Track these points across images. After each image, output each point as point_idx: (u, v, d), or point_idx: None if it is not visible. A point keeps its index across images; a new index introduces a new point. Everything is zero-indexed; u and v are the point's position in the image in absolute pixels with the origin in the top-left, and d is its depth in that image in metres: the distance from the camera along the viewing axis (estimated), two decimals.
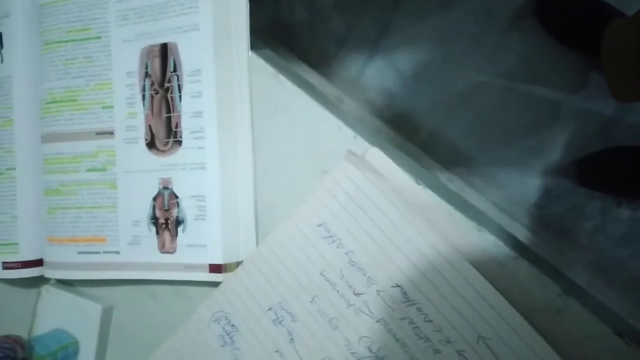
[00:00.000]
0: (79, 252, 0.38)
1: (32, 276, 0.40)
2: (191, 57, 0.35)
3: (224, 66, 0.35)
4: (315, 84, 1.04)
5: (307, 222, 0.32)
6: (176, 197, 0.36)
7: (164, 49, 0.36)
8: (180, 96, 0.36)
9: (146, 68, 0.36)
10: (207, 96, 0.35)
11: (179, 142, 0.36)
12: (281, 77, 0.35)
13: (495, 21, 1.06)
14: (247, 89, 0.35)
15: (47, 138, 0.39)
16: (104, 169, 0.37)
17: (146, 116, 0.36)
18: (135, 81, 0.37)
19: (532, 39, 1.03)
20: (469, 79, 1.09)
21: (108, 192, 0.37)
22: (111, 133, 0.37)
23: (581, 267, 0.97)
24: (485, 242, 0.31)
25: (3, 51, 0.40)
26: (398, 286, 0.30)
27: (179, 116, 0.36)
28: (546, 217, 1.03)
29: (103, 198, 0.37)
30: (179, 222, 0.36)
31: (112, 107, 0.37)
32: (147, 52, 0.36)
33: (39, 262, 0.40)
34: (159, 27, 0.36)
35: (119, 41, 0.37)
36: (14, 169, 0.40)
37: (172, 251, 0.36)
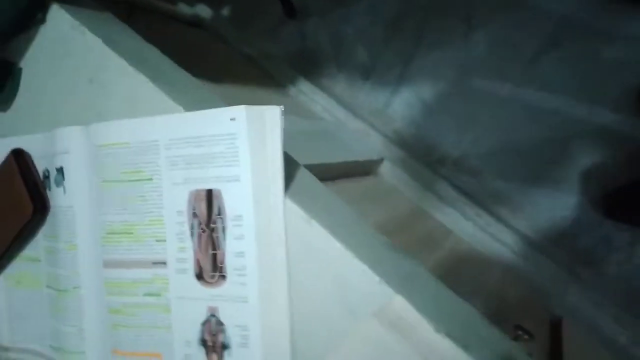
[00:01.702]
0: None
1: None
2: (234, 204, 0.40)
3: (263, 212, 0.39)
4: (342, 118, 1.08)
5: None
6: (222, 324, 0.41)
7: (210, 194, 0.40)
8: (224, 236, 0.40)
9: (194, 209, 0.41)
10: (248, 239, 0.39)
11: (224, 277, 0.40)
12: (313, 222, 0.39)
13: (519, 53, 1.07)
14: (283, 232, 0.40)
15: (108, 264, 0.44)
16: (159, 294, 0.43)
17: (195, 251, 0.41)
18: (185, 219, 0.41)
19: (555, 73, 1.03)
20: (494, 108, 1.10)
21: (163, 315, 0.43)
22: (164, 263, 0.42)
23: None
24: None
25: (65, 183, 0.45)
26: None
27: (224, 254, 0.40)
28: (575, 248, 1.04)
29: (159, 319, 0.43)
30: (224, 346, 0.41)
31: (164, 240, 0.42)
32: (195, 196, 0.41)
33: None
34: (204, 174, 0.40)
35: (169, 184, 0.42)
36: (79, 287, 0.45)
37: None
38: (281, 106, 0.39)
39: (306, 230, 0.39)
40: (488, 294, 0.84)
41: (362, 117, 1.17)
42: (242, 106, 0.39)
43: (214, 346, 0.41)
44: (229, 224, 0.40)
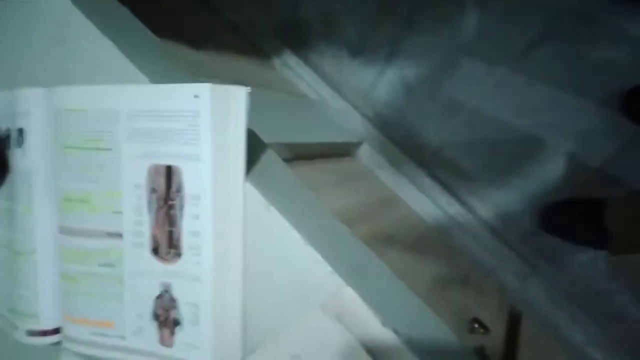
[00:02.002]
0: (90, 333, 0.44)
1: (52, 342, 0.46)
2: (192, 183, 0.39)
3: (221, 194, 0.39)
4: (326, 96, 1.07)
5: (284, 350, 0.37)
6: (175, 300, 0.41)
7: (169, 170, 0.40)
8: (182, 214, 0.40)
9: (152, 184, 0.40)
10: (205, 219, 0.39)
11: (179, 254, 0.40)
12: (271, 208, 0.39)
13: (509, 46, 1.06)
14: (241, 215, 0.39)
15: (64, 230, 0.44)
16: (113, 266, 0.42)
17: (151, 226, 0.41)
18: (143, 193, 0.41)
19: (543, 69, 1.03)
20: (478, 100, 1.10)
21: (116, 286, 0.43)
22: (120, 235, 0.42)
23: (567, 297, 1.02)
24: None
25: (25, 145, 0.44)
26: None
27: (180, 232, 0.40)
28: (542, 244, 1.06)
29: (112, 290, 0.43)
30: (176, 322, 0.41)
31: (121, 212, 0.42)
32: (154, 170, 0.40)
33: (58, 330, 0.46)
34: (164, 150, 0.40)
35: (128, 155, 0.41)
36: (35, 252, 0.45)
37: (170, 345, 0.41)
38: (248, 87, 0.38)
39: (264, 216, 0.39)
40: (450, 285, 0.85)
41: (346, 96, 1.16)
42: (207, 84, 0.38)
43: (166, 321, 0.41)
44: (187, 202, 0.39)
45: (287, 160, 0.78)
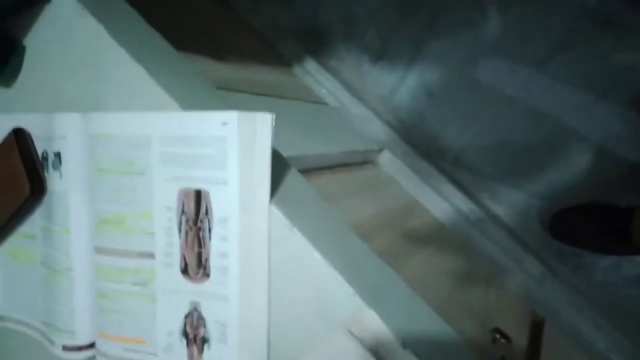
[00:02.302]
0: (124, 349, 0.46)
1: (86, 357, 0.48)
2: (220, 206, 0.41)
3: (248, 217, 0.40)
4: (347, 103, 1.08)
5: None
6: (203, 319, 0.43)
7: (198, 194, 0.41)
8: (210, 236, 0.41)
9: (182, 206, 0.42)
10: (232, 241, 0.41)
11: (207, 275, 0.42)
12: (295, 230, 0.40)
13: (532, 49, 1.05)
14: (266, 237, 0.41)
15: (99, 250, 0.46)
16: (145, 284, 0.44)
17: (181, 247, 0.43)
18: (173, 215, 0.43)
19: (564, 75, 1.02)
20: (500, 104, 1.09)
21: (148, 304, 0.44)
22: (152, 255, 0.44)
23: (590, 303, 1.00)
24: None
25: (62, 168, 0.47)
26: None
27: (208, 253, 0.42)
28: (564, 250, 1.05)
29: (144, 308, 0.45)
30: (204, 340, 0.43)
31: (153, 234, 0.44)
32: (184, 193, 0.42)
33: (92, 345, 0.48)
34: (194, 174, 0.41)
35: (160, 179, 0.43)
36: (71, 270, 0.47)
37: None
38: (273, 114, 0.40)
39: (288, 238, 0.40)
40: (474, 293, 0.85)
41: (367, 103, 1.16)
42: (234, 113, 0.39)
43: (194, 339, 0.43)
44: (215, 224, 0.41)
45: (309, 171, 0.79)
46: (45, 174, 0.49)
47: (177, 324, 0.44)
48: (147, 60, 0.45)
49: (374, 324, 0.38)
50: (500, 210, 1.08)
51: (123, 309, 0.45)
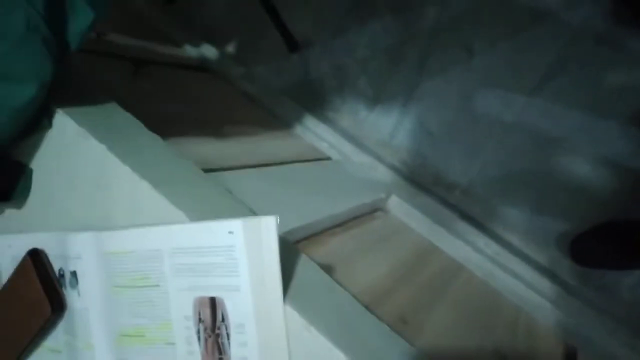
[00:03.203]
0: None
1: None
2: (235, 312, 0.41)
3: (264, 321, 0.41)
4: (348, 153, 1.09)
5: None
6: None
7: (213, 302, 0.42)
8: (229, 342, 0.42)
9: (199, 314, 0.43)
10: (251, 346, 0.41)
11: None
12: (311, 329, 0.40)
13: (525, 78, 1.06)
14: (285, 339, 0.41)
15: None
16: None
17: (202, 354, 0.43)
18: (192, 324, 0.43)
19: (559, 99, 1.03)
20: (499, 135, 1.10)
21: None
22: None
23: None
24: None
25: (79, 286, 0.48)
26: None
27: (229, 359, 0.42)
28: (587, 272, 1.03)
29: None
30: None
31: (174, 344, 0.44)
32: (199, 302, 0.43)
33: None
34: (207, 282, 0.42)
35: (175, 290, 0.44)
36: None
37: None
38: (277, 216, 0.41)
39: (306, 337, 0.41)
40: (503, 335, 0.84)
41: (368, 150, 1.18)
42: (239, 220, 0.40)
43: None
44: (233, 330, 0.42)
45: (320, 233, 0.80)
46: (64, 290, 0.50)
47: None
48: (151, 173, 0.47)
49: None
50: (515, 240, 1.07)
51: None
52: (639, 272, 1.00)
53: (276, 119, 1.20)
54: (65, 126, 0.50)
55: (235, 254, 0.41)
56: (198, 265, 0.42)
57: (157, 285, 0.44)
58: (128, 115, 0.57)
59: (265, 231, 0.41)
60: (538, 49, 1.04)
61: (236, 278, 0.41)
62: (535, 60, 1.04)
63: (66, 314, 0.50)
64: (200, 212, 0.46)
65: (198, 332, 0.43)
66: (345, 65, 1.25)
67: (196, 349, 0.43)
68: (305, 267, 0.48)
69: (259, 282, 0.41)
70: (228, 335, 0.42)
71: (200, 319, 0.43)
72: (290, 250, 0.49)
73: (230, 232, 0.41)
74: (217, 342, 0.42)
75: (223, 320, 0.42)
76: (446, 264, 0.99)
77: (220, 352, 0.42)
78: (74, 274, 0.48)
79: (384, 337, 0.45)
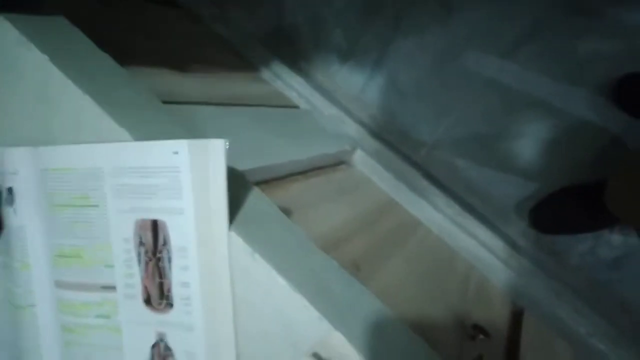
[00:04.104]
0: None
1: None
2: (178, 236, 0.40)
3: (206, 245, 0.40)
4: (318, 104, 1.07)
5: None
6: (170, 349, 0.42)
7: (155, 225, 0.41)
8: (170, 266, 0.41)
9: (140, 238, 0.41)
10: (193, 270, 0.40)
11: (171, 305, 0.41)
12: (256, 256, 0.40)
13: (499, 42, 1.05)
14: (227, 265, 0.40)
15: (59, 284, 0.45)
16: (109, 317, 0.44)
17: (142, 278, 0.42)
18: (132, 247, 0.42)
19: (533, 63, 1.02)
20: (469, 96, 1.09)
21: (114, 336, 0.44)
22: (113, 287, 0.43)
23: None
24: None
25: (15, 204, 0.45)
26: None
27: (170, 283, 0.41)
28: (540, 237, 1.07)
29: (110, 341, 0.44)
30: None
31: (113, 266, 0.43)
32: (141, 225, 0.41)
33: None
34: (149, 204, 0.41)
35: (115, 211, 0.42)
36: (34, 305, 0.46)
37: None
38: (226, 140, 0.39)
39: (250, 264, 0.40)
40: (453, 289, 0.86)
41: (337, 103, 1.16)
42: (185, 141, 0.39)
43: None
44: (174, 254, 0.40)
45: (280, 178, 0.79)
46: (1, 209, 0.47)
47: (145, 355, 0.43)
48: (95, 89, 0.44)
49: (340, 345, 0.38)
50: (476, 201, 1.09)
51: (89, 342, 0.45)
52: (590, 241, 1.03)
53: (245, 63, 1.16)
54: (5, 33, 0.46)
55: (180, 175, 0.39)
56: (140, 187, 0.40)
57: (97, 206, 0.42)
58: (77, 30, 0.53)
59: (213, 154, 0.39)
60: (515, 11, 1.03)
61: (180, 201, 0.39)
62: (512, 23, 1.03)
63: (3, 235, 0.48)
64: (146, 133, 0.43)
65: (138, 255, 0.42)
66: (321, 15, 1.21)
67: (136, 272, 0.42)
68: (255, 198, 0.47)
69: (203, 206, 0.39)
70: (169, 259, 0.41)
71: (141, 242, 0.41)
72: (241, 181, 0.47)
73: (176, 153, 0.39)
74: (158, 266, 0.41)
75: (165, 244, 0.41)
76: (405, 220, 1.00)
77: (160, 276, 0.41)
78: (10, 190, 0.45)
79: (330, 270, 0.45)
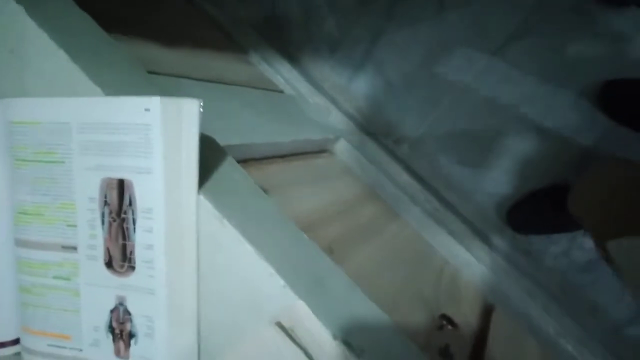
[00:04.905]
0: (48, 345, 0.44)
1: (11, 353, 0.46)
2: (145, 196, 0.39)
3: (174, 208, 0.39)
4: (304, 92, 1.06)
5: None
6: (129, 313, 0.41)
7: (121, 184, 0.39)
8: (134, 228, 0.40)
9: (105, 197, 0.40)
10: (158, 232, 0.39)
11: (133, 268, 0.40)
12: (225, 221, 0.39)
13: (489, 39, 1.05)
14: (194, 229, 0.39)
15: (19, 242, 0.43)
16: (68, 279, 0.42)
17: (105, 239, 0.41)
18: (96, 206, 0.41)
19: (520, 64, 1.03)
20: (456, 94, 1.10)
21: (72, 298, 0.42)
22: (74, 248, 0.42)
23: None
24: None
25: None
26: None
27: (133, 245, 0.40)
28: (516, 238, 1.07)
29: (68, 303, 0.43)
30: (131, 335, 0.41)
31: (75, 225, 0.41)
32: (107, 183, 0.40)
33: (17, 341, 0.46)
34: (116, 163, 0.39)
35: (81, 168, 0.40)
36: None
37: (126, 358, 0.41)
38: (200, 100, 0.38)
39: (218, 229, 0.39)
40: (426, 281, 0.86)
41: (324, 91, 1.15)
42: (157, 97, 0.37)
43: (121, 334, 0.41)
44: (139, 215, 0.39)
45: (258, 159, 0.78)
46: None
47: (103, 319, 0.42)
48: (71, 44, 0.43)
49: (304, 315, 0.37)
50: (454, 198, 1.09)
51: (46, 304, 0.43)
52: (565, 243, 1.05)
53: (234, 45, 1.14)
54: None
55: (151, 133, 0.38)
56: (109, 144, 0.39)
57: (62, 162, 0.41)
58: None
59: (187, 114, 0.38)
60: (507, 8, 1.03)
61: (149, 160, 0.38)
62: (503, 21, 1.04)
63: None
64: (121, 92, 0.42)
65: (102, 215, 0.41)
66: (314, 2, 1.20)
67: (99, 232, 0.41)
68: (229, 166, 0.46)
69: (173, 166, 0.38)
70: (134, 220, 0.39)
71: (106, 201, 0.40)
72: (214, 147, 0.46)
73: (147, 110, 0.38)
74: (122, 227, 0.40)
75: (130, 204, 0.39)
76: (383, 211, 1.00)
77: (124, 238, 0.40)
78: None
79: (300, 244, 0.44)
